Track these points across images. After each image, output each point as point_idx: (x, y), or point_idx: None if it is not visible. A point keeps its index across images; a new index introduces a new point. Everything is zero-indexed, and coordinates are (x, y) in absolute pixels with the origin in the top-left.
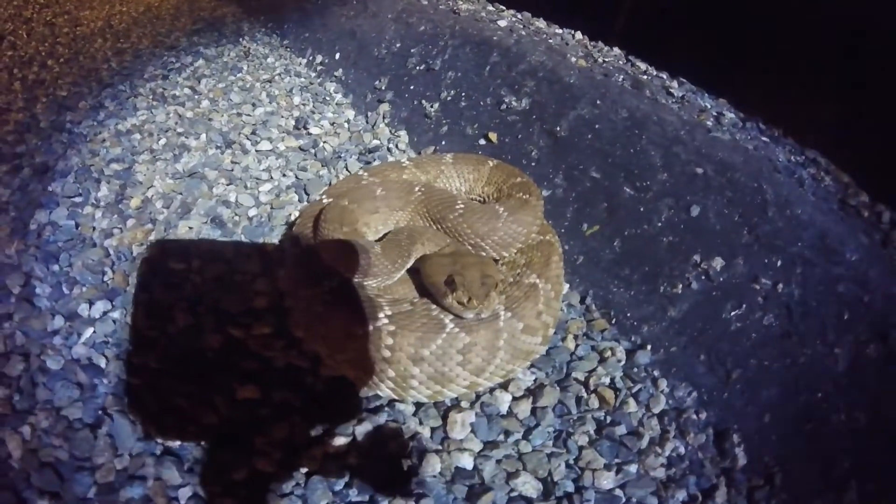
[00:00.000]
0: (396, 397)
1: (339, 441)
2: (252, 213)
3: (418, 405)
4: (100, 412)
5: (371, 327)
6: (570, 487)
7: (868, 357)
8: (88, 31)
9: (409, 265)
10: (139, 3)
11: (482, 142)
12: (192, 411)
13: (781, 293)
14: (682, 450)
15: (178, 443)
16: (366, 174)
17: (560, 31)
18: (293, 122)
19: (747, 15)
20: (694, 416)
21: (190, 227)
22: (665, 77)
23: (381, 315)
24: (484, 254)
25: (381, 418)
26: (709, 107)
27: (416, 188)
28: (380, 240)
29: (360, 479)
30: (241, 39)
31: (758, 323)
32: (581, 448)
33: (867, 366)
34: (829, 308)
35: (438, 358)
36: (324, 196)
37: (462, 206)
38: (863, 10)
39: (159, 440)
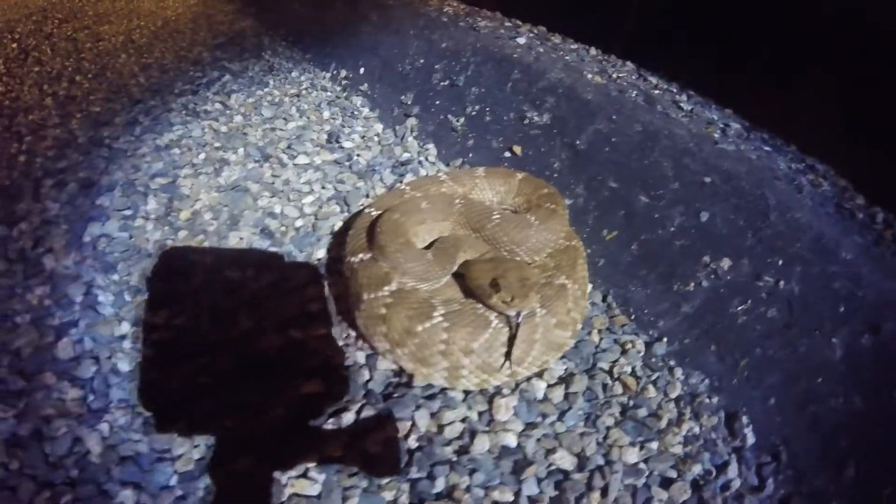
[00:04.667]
0: (449, 386)
1: (400, 425)
2: (298, 223)
3: (466, 393)
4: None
5: (429, 324)
6: (601, 461)
7: (862, 346)
8: (111, 46)
9: (454, 269)
10: (156, 17)
11: (507, 154)
12: (262, 404)
13: (783, 290)
14: (696, 430)
15: (250, 433)
16: (408, 188)
17: (575, 46)
18: (325, 136)
19: (748, 25)
20: (707, 401)
21: (241, 238)
22: (675, 90)
23: (435, 314)
24: (518, 258)
25: (436, 405)
26: (716, 119)
27: (457, 200)
28: (428, 247)
29: (419, 457)
30: (263, 53)
31: (762, 316)
32: (608, 428)
33: (862, 354)
34: (826, 303)
35: (486, 350)
36: (372, 210)
37: (498, 216)
38: (861, 15)
39: (234, 431)
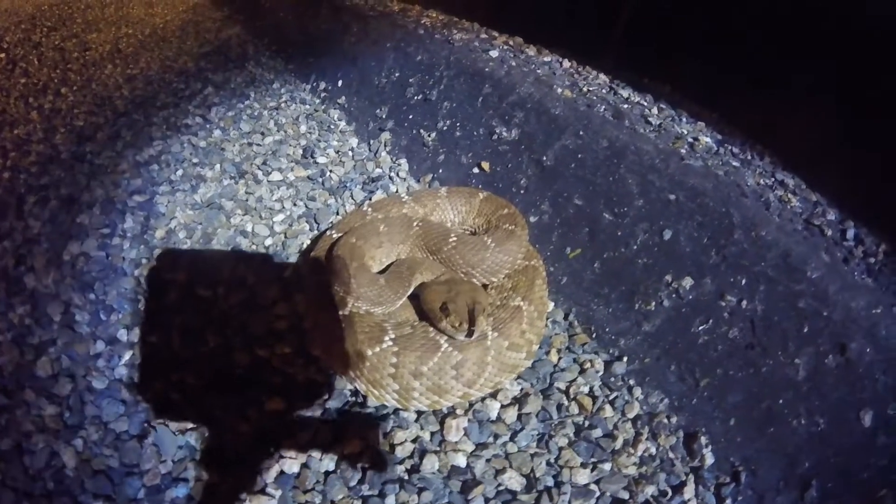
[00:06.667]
0: (401, 406)
1: (353, 444)
2: (268, 242)
3: (419, 413)
4: (144, 424)
5: (378, 348)
6: (551, 482)
7: (827, 366)
8: (98, 55)
9: (409, 293)
10: (144, 25)
11: (476, 170)
12: (229, 421)
13: (745, 309)
14: (653, 450)
15: (218, 449)
16: (370, 210)
17: (549, 58)
18: (300, 152)
19: (729, 38)
20: (665, 420)
21: (213, 257)
22: (645, 104)
23: (386, 338)
24: (475, 280)
25: (388, 424)
26: (685, 133)
27: (415, 223)
28: (384, 271)
29: (371, 475)
30: (246, 64)
31: (724, 336)
32: (561, 449)
33: (826, 374)
34: (790, 322)
35: (436, 373)
36: (333, 231)
37: (455, 238)
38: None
39: (200, 447)
